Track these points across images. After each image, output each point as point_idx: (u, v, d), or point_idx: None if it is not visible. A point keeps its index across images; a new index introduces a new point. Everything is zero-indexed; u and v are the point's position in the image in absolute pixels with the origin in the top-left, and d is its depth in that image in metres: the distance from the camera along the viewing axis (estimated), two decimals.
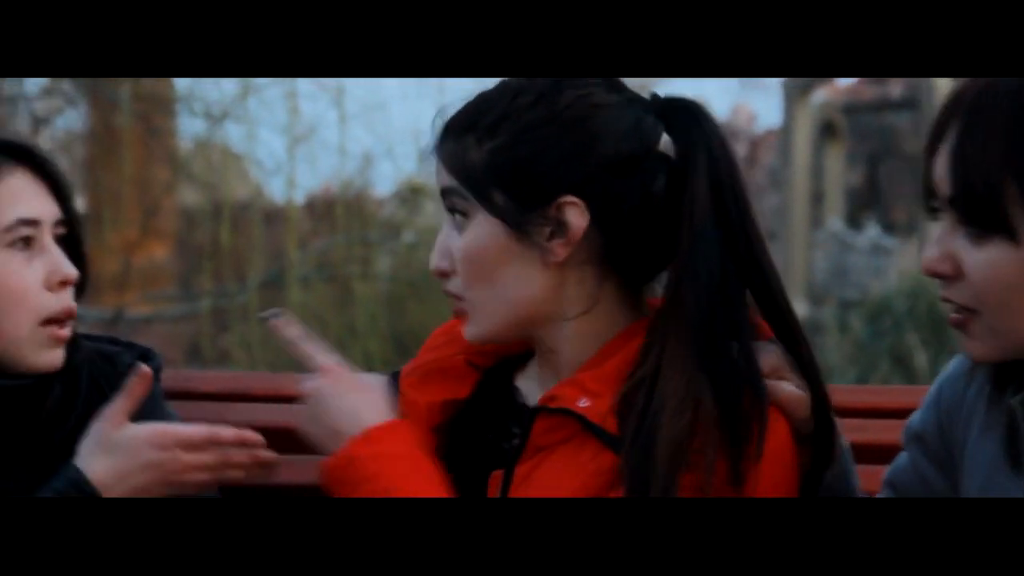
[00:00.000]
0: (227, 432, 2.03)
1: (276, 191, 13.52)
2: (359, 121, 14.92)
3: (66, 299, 2.12)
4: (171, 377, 2.63)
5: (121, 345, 2.26)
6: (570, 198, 1.83)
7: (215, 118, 12.92)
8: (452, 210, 1.89)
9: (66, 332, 2.12)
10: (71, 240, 2.17)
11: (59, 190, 2.14)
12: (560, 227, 1.85)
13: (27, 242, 2.09)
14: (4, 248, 2.08)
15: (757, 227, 1.88)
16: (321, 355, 1.96)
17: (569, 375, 1.90)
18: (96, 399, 2.11)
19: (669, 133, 1.88)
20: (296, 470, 2.40)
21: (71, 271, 2.11)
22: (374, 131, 13.16)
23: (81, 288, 2.17)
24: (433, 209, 11.74)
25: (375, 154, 12.88)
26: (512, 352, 1.99)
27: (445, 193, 1.89)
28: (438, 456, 1.91)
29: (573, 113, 1.84)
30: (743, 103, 25.95)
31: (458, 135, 1.87)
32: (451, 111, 1.90)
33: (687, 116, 1.88)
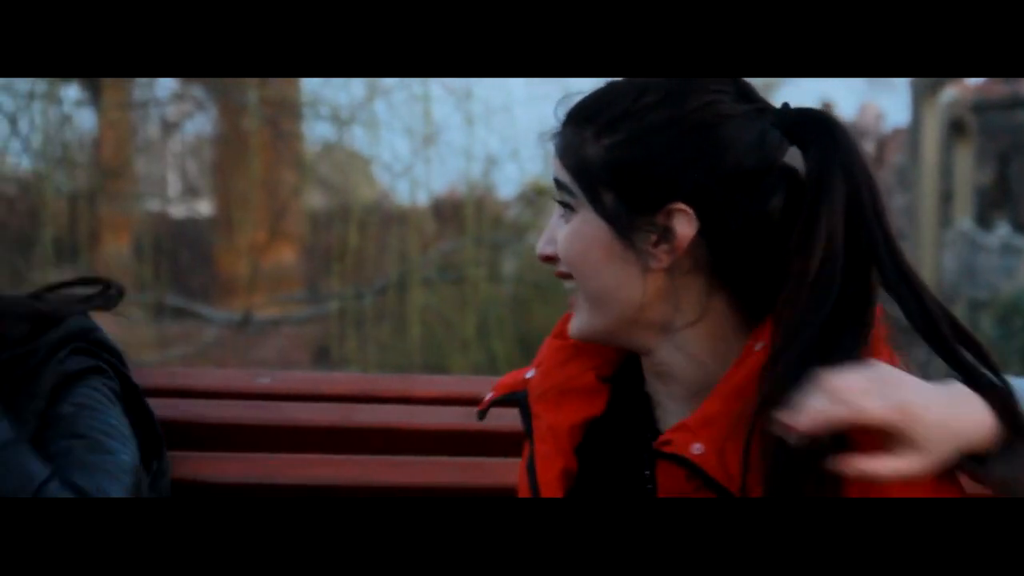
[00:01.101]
0: None
1: (402, 194, 13.59)
2: (484, 123, 14.98)
3: None
4: (299, 379, 2.66)
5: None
6: (680, 205, 1.78)
7: (342, 121, 13.02)
8: (562, 203, 1.85)
9: None
10: None
11: None
12: (666, 234, 1.80)
13: None
14: None
15: (897, 246, 1.82)
16: None
17: (684, 395, 1.86)
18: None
19: (801, 149, 1.81)
20: (421, 471, 2.41)
21: None
22: (499, 133, 13.18)
23: None
24: None
25: (500, 156, 12.90)
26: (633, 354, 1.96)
27: (557, 185, 1.85)
28: (580, 478, 1.89)
29: (697, 119, 1.79)
30: (870, 102, 25.72)
31: (577, 126, 1.83)
32: (574, 99, 1.87)
33: (822, 134, 1.81)
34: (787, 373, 1.73)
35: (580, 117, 1.83)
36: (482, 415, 1.97)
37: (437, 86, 12.39)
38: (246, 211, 13.52)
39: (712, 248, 1.80)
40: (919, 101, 19.94)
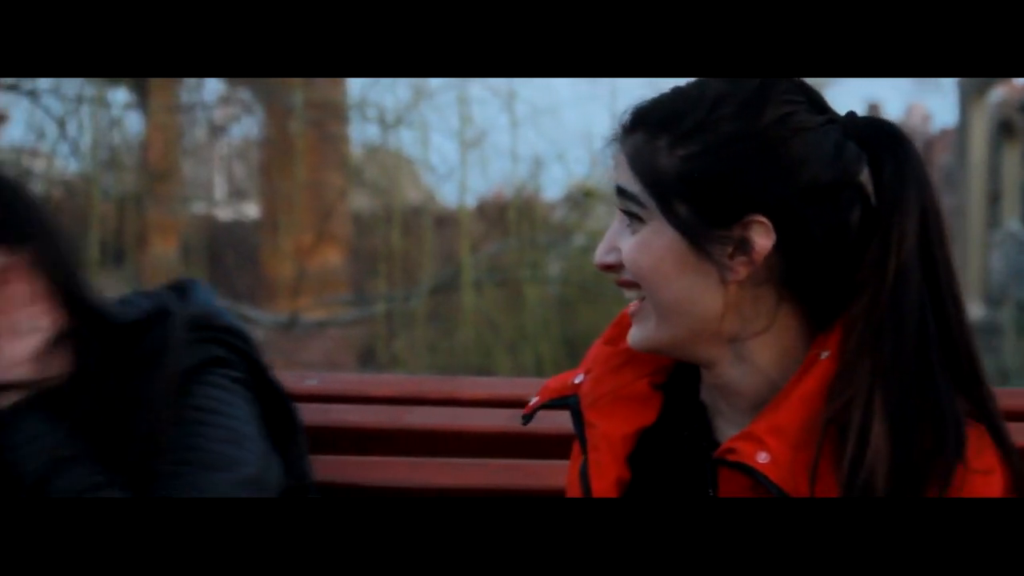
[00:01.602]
0: None
1: (448, 196, 13.62)
2: (530, 125, 14.99)
3: None
4: (347, 381, 2.66)
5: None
6: (759, 217, 1.75)
7: (388, 124, 13.04)
8: (627, 212, 1.82)
9: None
10: None
11: None
12: (743, 245, 1.77)
13: None
14: None
15: (953, 266, 1.80)
16: None
17: (744, 405, 1.85)
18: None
19: (873, 160, 1.79)
20: (468, 473, 2.41)
21: None
22: (545, 135, 13.16)
23: None
24: (604, 212, 11.74)
25: (546, 158, 12.90)
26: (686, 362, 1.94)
27: (622, 194, 1.81)
28: (633, 487, 1.87)
29: (775, 133, 1.76)
30: (918, 102, 25.64)
31: (649, 134, 1.79)
32: (640, 105, 1.82)
33: (895, 147, 1.79)
34: (861, 386, 1.74)
35: (651, 125, 1.79)
36: (527, 420, 1.96)
37: (483, 88, 12.41)
38: (292, 213, 13.58)
39: (788, 260, 1.77)
40: (967, 101, 19.84)
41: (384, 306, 13.00)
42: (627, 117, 1.81)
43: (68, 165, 12.59)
